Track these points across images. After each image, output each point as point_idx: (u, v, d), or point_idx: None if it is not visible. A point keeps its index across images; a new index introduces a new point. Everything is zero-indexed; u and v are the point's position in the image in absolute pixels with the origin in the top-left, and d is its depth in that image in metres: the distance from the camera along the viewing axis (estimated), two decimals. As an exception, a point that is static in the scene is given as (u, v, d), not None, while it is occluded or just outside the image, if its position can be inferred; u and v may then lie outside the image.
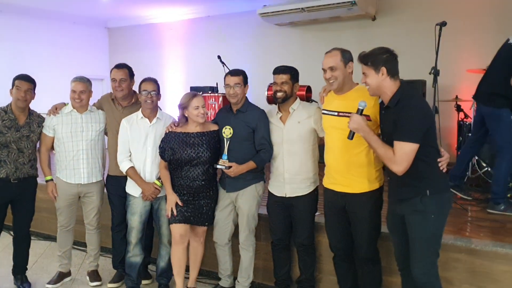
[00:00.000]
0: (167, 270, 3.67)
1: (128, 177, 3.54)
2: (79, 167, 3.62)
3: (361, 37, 6.99)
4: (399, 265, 2.84)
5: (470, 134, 4.67)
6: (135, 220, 3.54)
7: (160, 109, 3.63)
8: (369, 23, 7.11)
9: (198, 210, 3.37)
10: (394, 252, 2.88)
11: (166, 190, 3.40)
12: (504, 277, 2.92)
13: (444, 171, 2.63)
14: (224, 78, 3.41)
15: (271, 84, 3.67)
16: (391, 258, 3.00)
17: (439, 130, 3.68)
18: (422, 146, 2.47)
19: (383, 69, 2.53)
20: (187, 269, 3.53)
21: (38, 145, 3.69)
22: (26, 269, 3.85)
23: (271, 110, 3.41)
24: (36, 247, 4.57)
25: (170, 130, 3.38)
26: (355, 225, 2.97)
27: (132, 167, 3.48)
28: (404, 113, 2.46)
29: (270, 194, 3.42)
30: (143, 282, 3.84)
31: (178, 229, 3.36)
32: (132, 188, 3.53)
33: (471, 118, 5.45)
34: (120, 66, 3.66)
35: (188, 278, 3.61)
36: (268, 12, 7.40)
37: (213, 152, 3.33)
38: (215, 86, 6.67)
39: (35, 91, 3.57)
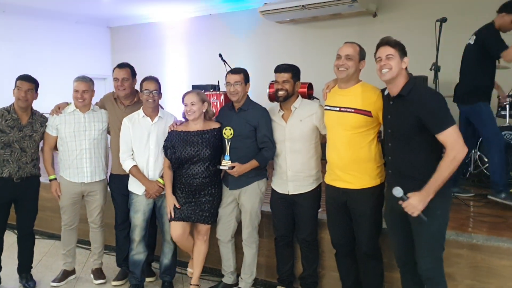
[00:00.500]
0: (171, 267, 3.70)
1: (130, 176, 3.55)
2: (82, 166, 3.65)
3: (362, 34, 6.95)
4: (399, 262, 2.84)
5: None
6: (138, 218, 3.55)
7: (162, 108, 3.65)
8: (370, 20, 7.09)
9: (199, 207, 3.38)
10: (393, 249, 2.88)
11: (165, 191, 3.42)
12: (506, 272, 2.93)
13: None
14: (225, 76, 3.43)
15: (272, 81, 3.68)
16: (393, 254, 3.00)
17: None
18: (426, 138, 2.50)
19: (407, 59, 2.62)
20: (186, 267, 3.53)
21: (41, 145, 3.72)
22: (31, 267, 3.87)
23: (273, 107, 3.42)
24: (41, 246, 4.59)
25: (172, 129, 3.40)
26: (356, 221, 2.99)
27: (135, 166, 3.49)
28: (429, 103, 2.49)
29: (273, 191, 3.44)
30: (147, 279, 3.85)
31: (176, 227, 3.38)
32: (135, 186, 3.55)
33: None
34: (122, 66, 3.68)
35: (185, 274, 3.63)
36: (269, 10, 7.40)
37: (213, 150, 3.34)
38: (217, 84, 6.67)
39: (38, 91, 3.59)
